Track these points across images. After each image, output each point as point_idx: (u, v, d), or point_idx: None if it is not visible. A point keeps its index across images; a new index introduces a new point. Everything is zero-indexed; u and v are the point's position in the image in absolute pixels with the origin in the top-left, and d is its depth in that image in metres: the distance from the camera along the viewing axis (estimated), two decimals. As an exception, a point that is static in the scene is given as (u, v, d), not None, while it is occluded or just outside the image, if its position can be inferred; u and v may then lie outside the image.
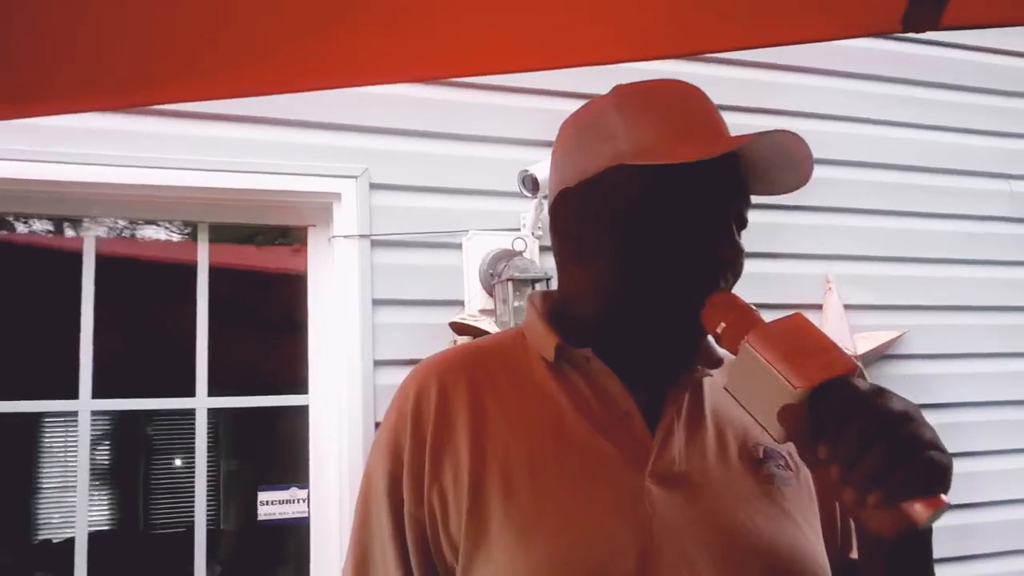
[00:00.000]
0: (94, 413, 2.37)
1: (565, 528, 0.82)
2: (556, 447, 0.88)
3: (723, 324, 0.81)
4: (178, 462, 6.70)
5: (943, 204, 2.96)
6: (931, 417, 2.47)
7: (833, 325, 2.66)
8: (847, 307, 2.70)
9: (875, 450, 0.67)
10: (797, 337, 0.76)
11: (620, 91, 0.95)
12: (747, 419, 0.81)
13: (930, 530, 0.77)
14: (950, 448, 2.49)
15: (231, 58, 1.20)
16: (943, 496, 0.68)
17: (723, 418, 0.94)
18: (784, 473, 0.91)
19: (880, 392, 0.72)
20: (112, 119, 2.25)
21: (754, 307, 0.82)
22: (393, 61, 1.27)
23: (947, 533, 2.60)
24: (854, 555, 0.93)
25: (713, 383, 0.96)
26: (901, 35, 2.45)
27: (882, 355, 2.72)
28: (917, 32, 1.26)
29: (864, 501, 0.68)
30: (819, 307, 2.71)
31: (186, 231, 3.49)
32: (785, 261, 2.70)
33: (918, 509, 0.67)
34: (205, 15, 1.09)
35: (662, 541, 0.82)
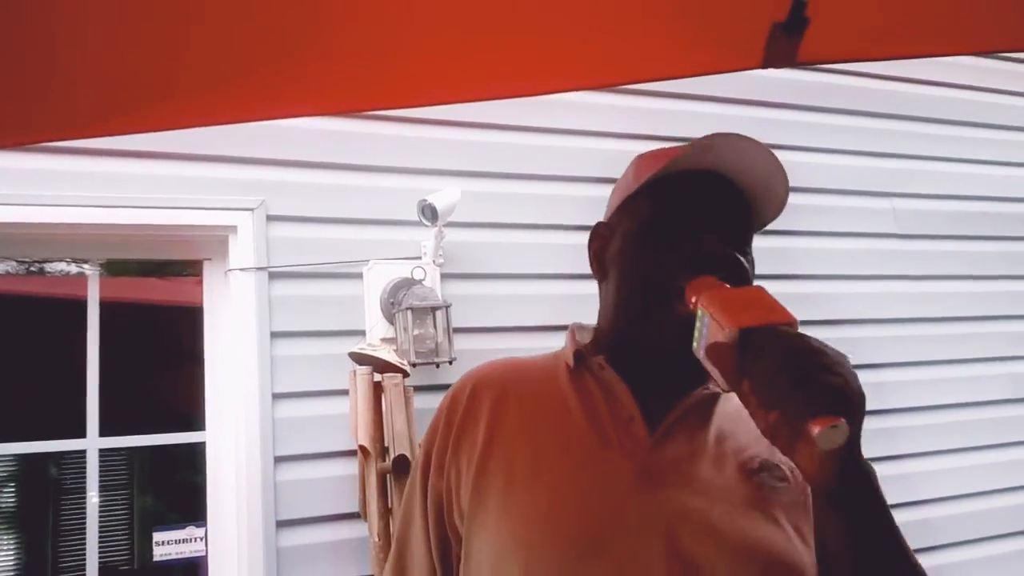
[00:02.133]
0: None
1: (554, 506, 0.92)
2: (559, 440, 0.99)
3: (695, 297, 0.88)
4: (93, 501, 6.46)
5: (828, 222, 3.08)
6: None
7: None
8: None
9: (780, 377, 0.74)
10: (747, 299, 0.84)
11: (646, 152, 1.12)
12: (749, 435, 0.94)
13: (872, 490, 0.82)
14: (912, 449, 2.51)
15: (199, 85, 1.18)
16: (841, 419, 0.71)
17: (725, 432, 1.00)
18: (777, 484, 0.96)
19: (802, 336, 0.78)
20: (4, 157, 2.18)
21: (727, 286, 0.90)
22: (341, 91, 1.27)
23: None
24: None
25: (723, 404, 1.03)
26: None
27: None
28: (776, 67, 1.33)
29: (768, 422, 0.76)
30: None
31: (99, 265, 3.40)
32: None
33: (814, 428, 0.71)
34: (149, 48, 1.08)
35: (641, 531, 0.89)
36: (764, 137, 3.41)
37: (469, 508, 0.98)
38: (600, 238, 1.12)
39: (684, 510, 0.90)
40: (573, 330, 1.13)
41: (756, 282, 0.98)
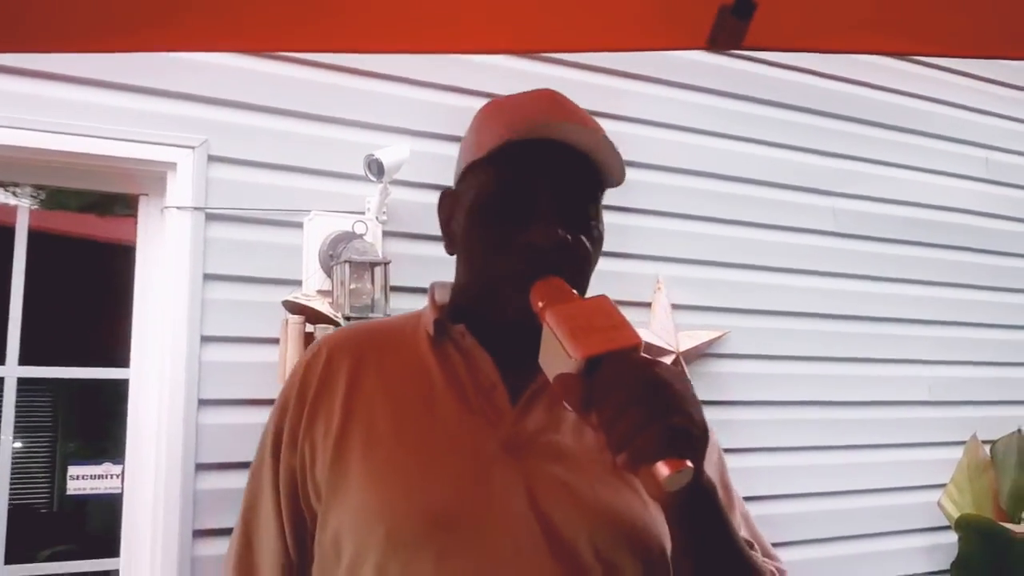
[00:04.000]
0: None
1: (413, 479, 0.91)
2: (420, 410, 0.97)
3: (540, 303, 0.87)
4: (6, 437, 6.33)
5: (771, 215, 3.14)
6: (747, 413, 2.65)
7: (660, 323, 2.79)
8: (674, 306, 2.84)
9: (626, 415, 0.74)
10: (592, 315, 0.83)
11: (489, 103, 1.08)
12: None
13: (708, 495, 0.85)
14: (763, 444, 2.68)
15: (206, 9, 1.16)
16: (687, 461, 0.73)
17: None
18: None
19: (650, 364, 0.79)
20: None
21: (572, 291, 0.90)
22: (369, 30, 1.25)
23: (762, 521, 2.79)
24: None
25: None
26: (736, 52, 2.59)
27: (704, 353, 2.87)
28: (722, 50, 1.35)
29: (616, 462, 0.74)
30: (648, 305, 2.83)
31: (39, 196, 3.30)
32: (620, 260, 2.81)
33: (659, 470, 0.72)
34: None
35: (499, 502, 0.90)
36: (703, 123, 3.45)
37: (328, 478, 0.94)
38: (446, 209, 1.08)
39: (547, 479, 0.92)
40: (433, 291, 1.10)
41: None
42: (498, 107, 1.06)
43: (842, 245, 3.27)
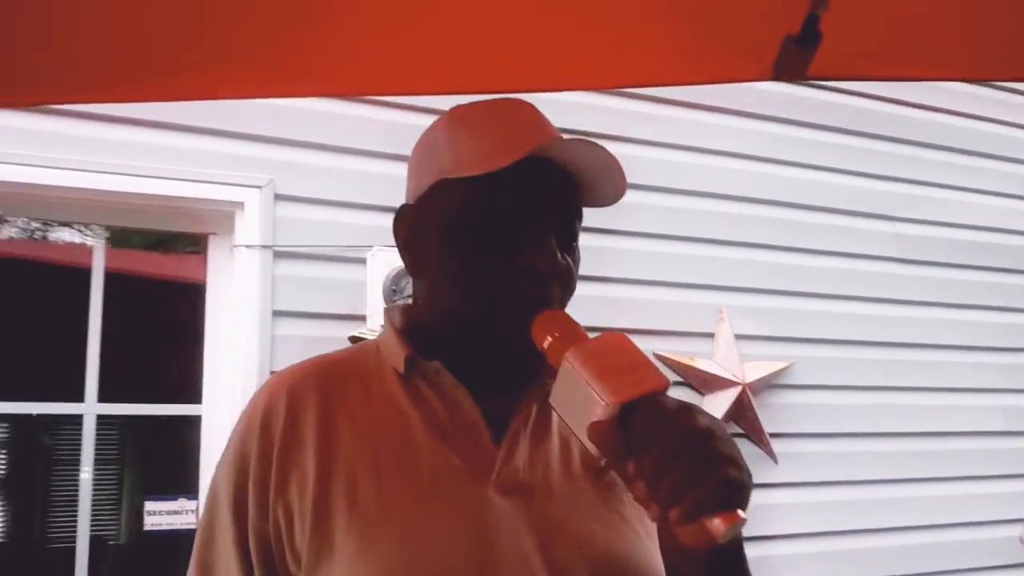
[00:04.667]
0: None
1: (406, 538, 0.83)
2: (402, 459, 0.88)
3: (549, 339, 0.83)
4: (84, 475, 6.48)
5: (833, 242, 3.10)
6: (816, 446, 2.60)
7: (724, 354, 2.76)
8: (738, 337, 2.81)
9: (675, 467, 0.69)
10: (614, 354, 0.78)
11: (454, 111, 0.99)
12: None
13: (740, 540, 0.82)
14: (834, 477, 2.63)
15: (205, 59, 1.20)
16: (740, 512, 0.70)
17: (564, 430, 0.95)
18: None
19: (686, 409, 0.74)
20: (20, 118, 2.21)
21: (579, 324, 0.84)
22: (366, 72, 1.29)
23: (821, 558, 2.72)
24: None
25: None
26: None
27: (769, 384, 2.83)
28: (787, 81, 1.35)
29: (667, 517, 0.70)
30: (711, 335, 2.80)
31: (105, 235, 3.42)
32: (680, 290, 2.79)
33: (715, 524, 0.69)
34: (174, 18, 1.10)
35: (502, 550, 0.84)
36: (763, 151, 3.43)
37: (309, 544, 0.84)
38: (408, 225, 0.97)
39: (545, 520, 0.88)
40: (390, 319, 1.00)
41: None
42: (470, 118, 0.96)
43: (906, 271, 3.22)
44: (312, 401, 0.91)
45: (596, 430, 0.74)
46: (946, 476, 3.06)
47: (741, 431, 2.77)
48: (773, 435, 2.79)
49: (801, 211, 3.07)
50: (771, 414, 2.81)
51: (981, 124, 3.47)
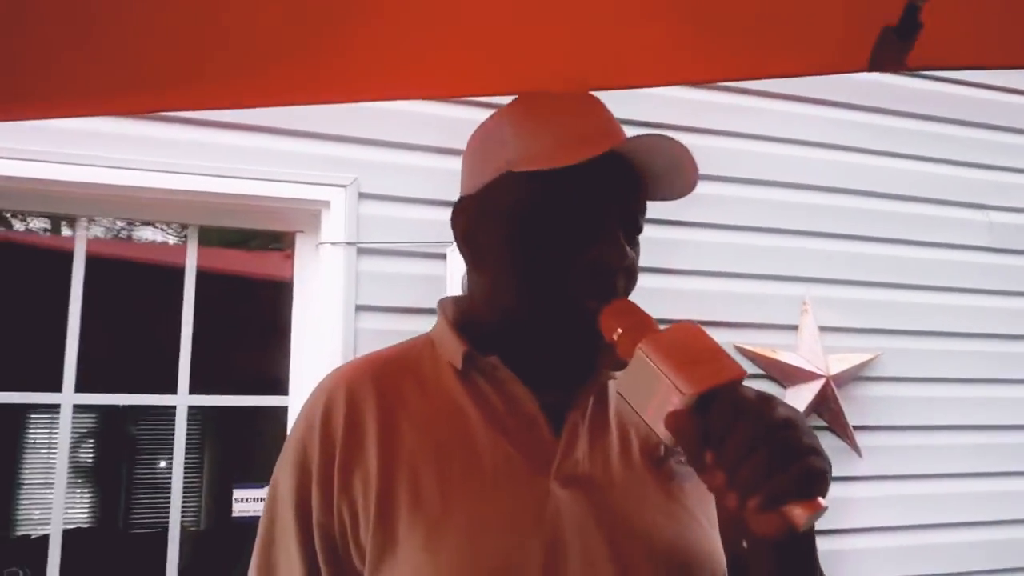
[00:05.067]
0: (77, 408, 2.40)
1: (470, 532, 0.84)
2: (463, 455, 0.89)
3: (619, 330, 0.83)
4: (162, 463, 6.70)
5: (921, 232, 3.02)
6: (901, 439, 2.54)
7: (808, 346, 2.71)
8: (822, 329, 2.75)
9: (756, 456, 0.70)
10: (688, 344, 0.78)
11: (518, 100, 0.99)
12: None
13: (812, 530, 0.80)
14: (919, 470, 2.57)
15: (229, 69, 1.23)
16: (820, 500, 0.70)
17: (627, 419, 0.97)
18: (684, 469, 0.93)
19: (765, 399, 0.74)
20: (108, 122, 2.29)
21: (649, 315, 0.84)
22: (387, 78, 1.31)
23: (907, 552, 2.66)
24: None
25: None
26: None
27: (855, 376, 2.78)
28: (883, 72, 1.31)
29: (746, 505, 0.71)
30: (795, 328, 2.76)
31: (182, 234, 3.54)
32: (762, 282, 2.76)
33: (797, 512, 0.69)
34: (201, 25, 1.13)
35: (566, 542, 0.85)
36: (849, 140, 3.36)
37: (373, 541, 0.85)
38: (466, 217, 0.97)
39: (608, 511, 0.88)
40: (445, 312, 1.00)
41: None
42: (537, 111, 0.96)
43: (998, 260, 3.11)
44: (370, 399, 0.92)
45: (675, 420, 0.74)
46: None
47: (825, 424, 2.72)
48: (857, 428, 2.74)
49: (888, 200, 3.00)
50: (856, 407, 2.75)
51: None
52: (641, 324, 0.83)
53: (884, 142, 3.03)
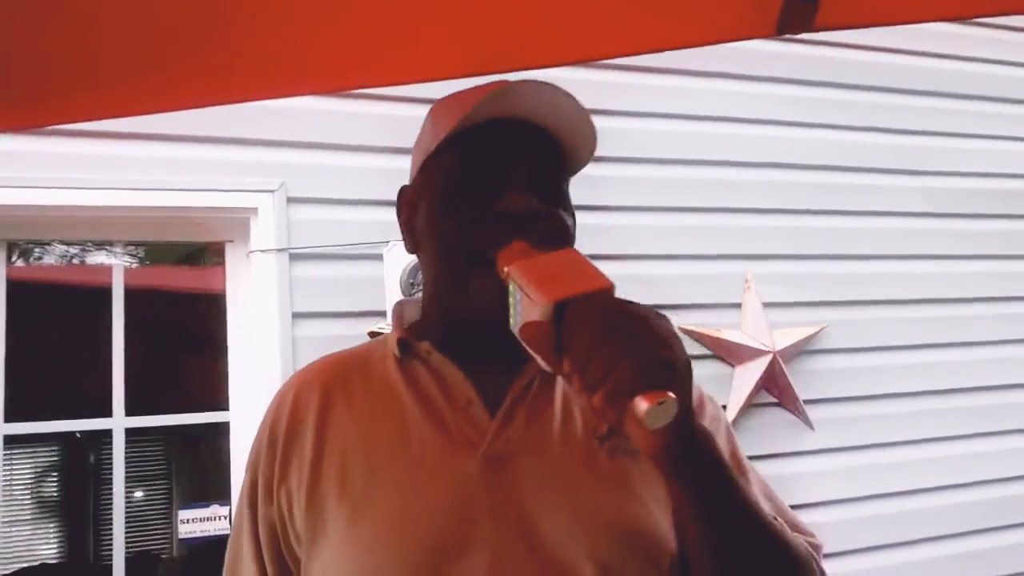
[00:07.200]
0: (7, 440, 2.31)
1: (392, 513, 0.86)
2: (393, 439, 0.91)
3: (506, 268, 0.82)
4: (119, 481, 6.55)
5: (858, 201, 3.03)
6: (852, 410, 2.53)
7: (752, 323, 2.71)
8: (765, 304, 2.75)
9: (601, 351, 0.69)
10: (561, 266, 0.78)
11: (436, 101, 1.05)
12: None
13: (709, 450, 0.78)
14: (871, 440, 2.55)
15: (116, 75, 1.19)
16: (668, 392, 0.67)
17: (570, 400, 0.96)
18: (629, 448, 0.90)
19: (621, 302, 0.74)
20: (20, 140, 2.21)
21: (547, 253, 0.83)
22: (282, 75, 1.28)
23: (862, 524, 2.67)
24: None
25: None
26: (802, 37, 2.52)
27: (801, 350, 2.78)
28: (792, 34, 1.30)
29: (594, 404, 0.69)
30: (738, 306, 2.76)
31: (138, 255, 3.44)
32: (703, 262, 2.75)
33: (638, 405, 0.66)
34: (86, 32, 1.08)
35: (492, 519, 0.85)
36: (777, 114, 3.36)
37: (306, 527, 0.89)
38: (408, 206, 1.04)
39: (537, 491, 0.87)
40: (398, 311, 1.06)
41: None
42: (447, 102, 1.02)
43: (936, 225, 3.14)
44: (317, 393, 0.96)
45: (529, 330, 0.75)
46: (988, 431, 2.99)
47: (775, 400, 2.73)
48: (807, 402, 2.74)
49: (819, 172, 3.01)
50: (804, 381, 2.76)
51: (998, 68, 3.38)
52: (526, 256, 0.83)
53: (815, 114, 3.04)
